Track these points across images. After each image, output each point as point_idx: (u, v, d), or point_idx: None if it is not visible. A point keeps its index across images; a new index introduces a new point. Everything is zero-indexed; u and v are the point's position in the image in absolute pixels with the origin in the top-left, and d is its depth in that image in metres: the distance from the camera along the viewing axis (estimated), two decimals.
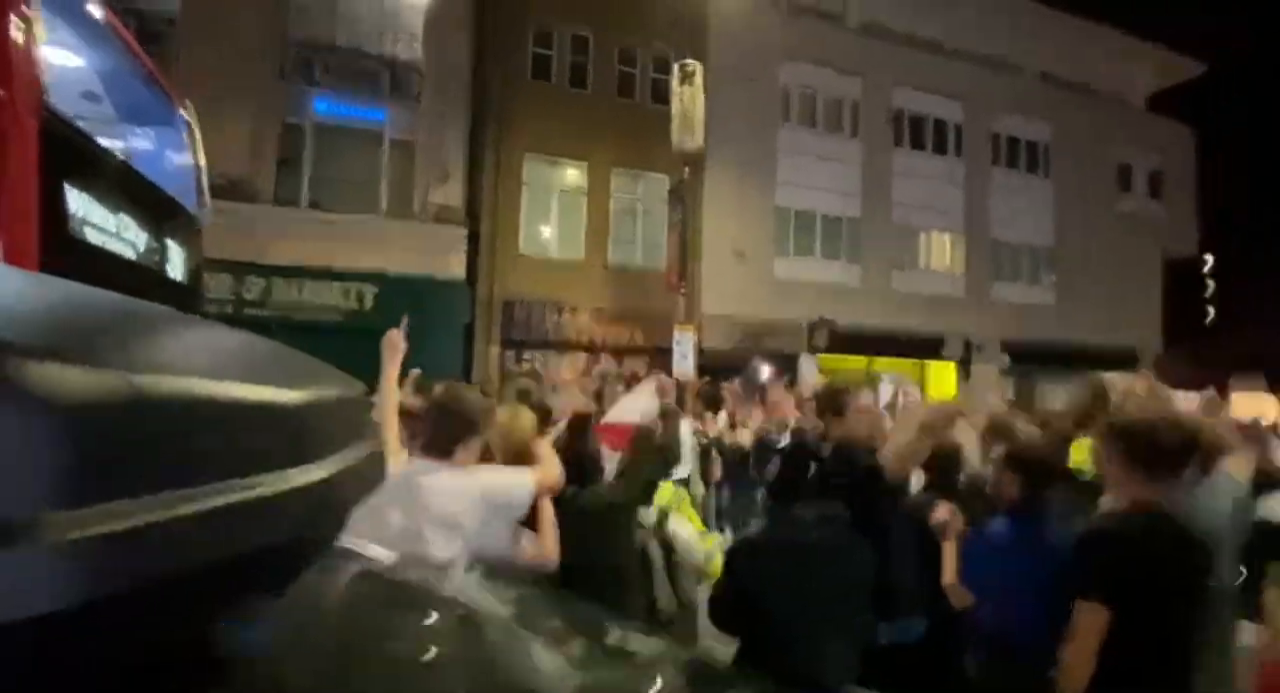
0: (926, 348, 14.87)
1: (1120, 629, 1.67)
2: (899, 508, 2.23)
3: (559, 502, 2.43)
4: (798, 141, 14.35)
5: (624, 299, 12.55)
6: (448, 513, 1.87)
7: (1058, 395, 15.14)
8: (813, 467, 1.83)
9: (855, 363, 14.71)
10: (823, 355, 13.88)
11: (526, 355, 12.07)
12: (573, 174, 12.78)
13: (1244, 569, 2.06)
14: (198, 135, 4.41)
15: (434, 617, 1.04)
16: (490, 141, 11.92)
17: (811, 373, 13.37)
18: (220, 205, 8.07)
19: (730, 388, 8.23)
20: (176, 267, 3.88)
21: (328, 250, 10.34)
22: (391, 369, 2.18)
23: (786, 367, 13.06)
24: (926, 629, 2.11)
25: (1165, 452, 1.78)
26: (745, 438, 6.26)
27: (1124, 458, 1.82)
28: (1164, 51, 18.10)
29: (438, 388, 2.41)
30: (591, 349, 12.47)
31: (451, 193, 11.51)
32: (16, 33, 2.21)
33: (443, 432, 1.98)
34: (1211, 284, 23.53)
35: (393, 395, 2.13)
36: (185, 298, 3.95)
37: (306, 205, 10.76)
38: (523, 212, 12.22)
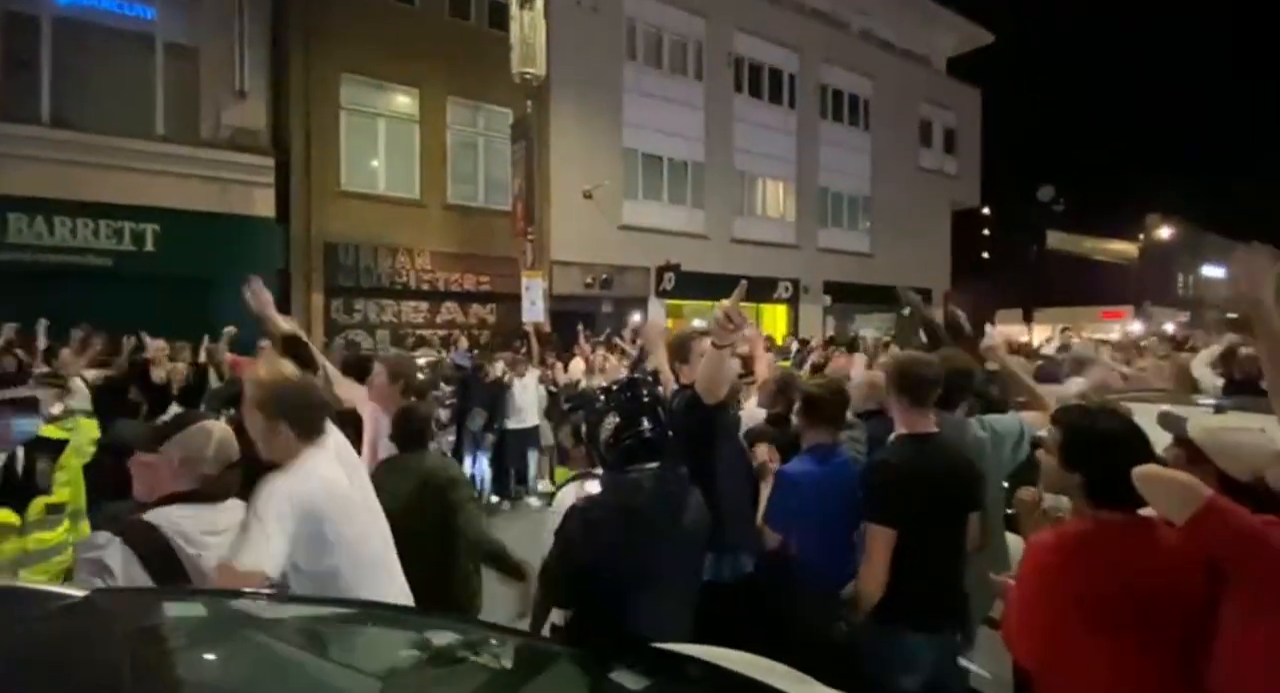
0: (761, 291, 15.95)
1: (904, 544, 1.92)
2: (728, 436, 2.33)
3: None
4: (644, 80, 14.14)
5: (467, 241, 11.84)
6: None
7: (869, 329, 17.30)
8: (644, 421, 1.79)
9: (699, 307, 15.42)
10: (669, 300, 14.35)
11: (358, 304, 11.03)
12: (403, 101, 11.51)
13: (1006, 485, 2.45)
14: None
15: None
16: (297, 56, 10.26)
17: (660, 315, 13.81)
18: None
19: (586, 334, 8.21)
20: None
21: (87, 179, 8.42)
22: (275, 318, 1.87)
23: (635, 311, 13.34)
24: (753, 569, 2.24)
25: (923, 382, 2.07)
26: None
27: (895, 390, 2.11)
28: (963, 20, 20.23)
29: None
30: (434, 296, 11.71)
31: (251, 114, 9.84)
32: None
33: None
34: (986, 231, 27.82)
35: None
36: None
37: (49, 122, 8.60)
38: (343, 141, 10.81)
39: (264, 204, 9.78)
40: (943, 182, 20.22)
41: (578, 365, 7.60)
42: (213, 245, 8.81)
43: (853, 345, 7.67)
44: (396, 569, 1.77)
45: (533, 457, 7.16)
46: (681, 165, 14.91)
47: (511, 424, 6.87)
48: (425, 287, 11.53)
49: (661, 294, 14.08)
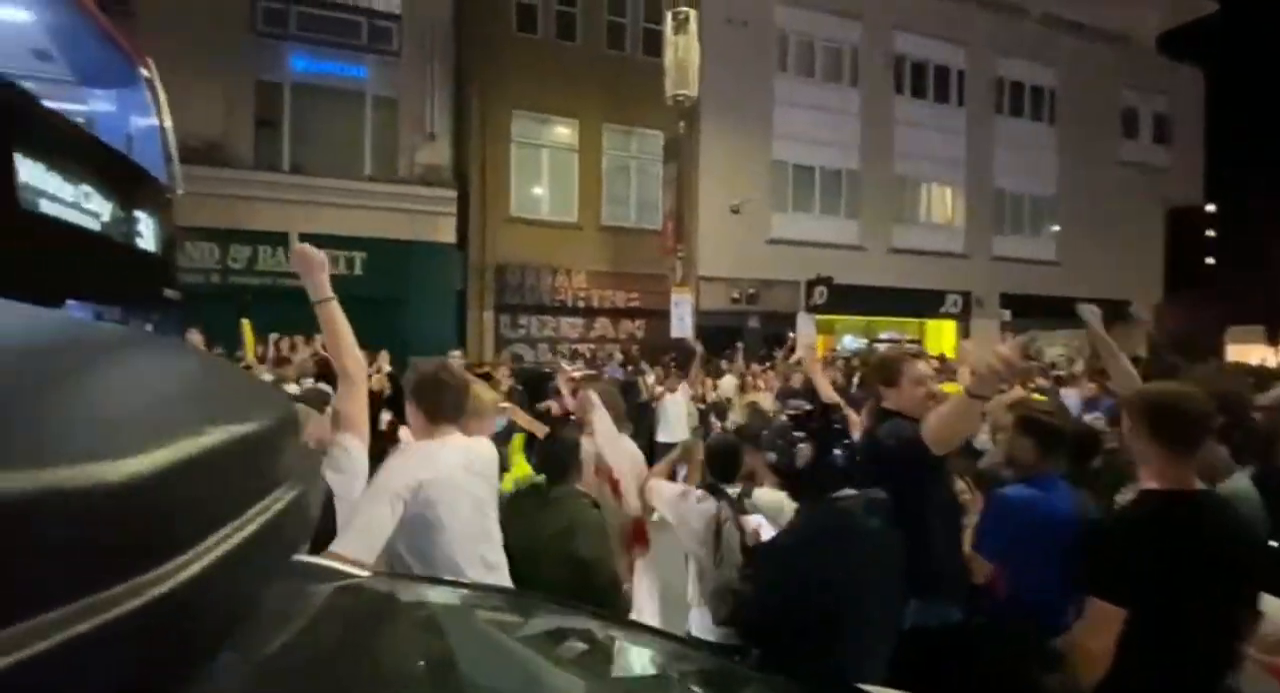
0: (926, 304, 14.74)
1: (1142, 627, 1.54)
2: (944, 483, 2.11)
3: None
4: (795, 92, 13.84)
5: (619, 260, 12.32)
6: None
7: (1055, 349, 15.24)
8: (839, 447, 1.67)
9: (853, 322, 14.62)
10: (821, 315, 13.76)
11: (522, 321, 11.91)
12: (563, 132, 12.35)
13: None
14: (162, 96, 4.15)
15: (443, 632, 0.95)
16: (476, 98, 11.45)
17: (810, 333, 13.29)
18: (198, 171, 7.82)
19: (739, 351, 8.10)
20: (147, 237, 3.70)
21: (312, 215, 10.03)
22: (325, 287, 1.73)
23: (784, 327, 12.97)
24: (961, 618, 2.02)
25: (1188, 420, 1.59)
26: (765, 400, 6.17)
27: (1148, 431, 1.61)
28: None
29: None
30: (589, 313, 12.32)
31: (438, 153, 11.12)
32: None
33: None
34: (1212, 233, 23.26)
35: (343, 335, 1.75)
36: (157, 270, 3.78)
37: (289, 169, 10.40)
38: (512, 172, 11.85)
39: (446, 232, 10.96)
40: (1152, 177, 17.36)
41: (728, 382, 7.52)
42: (405, 269, 10.09)
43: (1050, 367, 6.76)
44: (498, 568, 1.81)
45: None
46: (834, 174, 14.32)
47: (662, 438, 6.95)
48: (580, 303, 12.17)
49: (812, 309, 13.53)
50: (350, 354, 1.73)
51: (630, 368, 8.52)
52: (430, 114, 10.92)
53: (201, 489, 0.34)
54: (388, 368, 6.27)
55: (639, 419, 6.94)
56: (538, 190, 12.28)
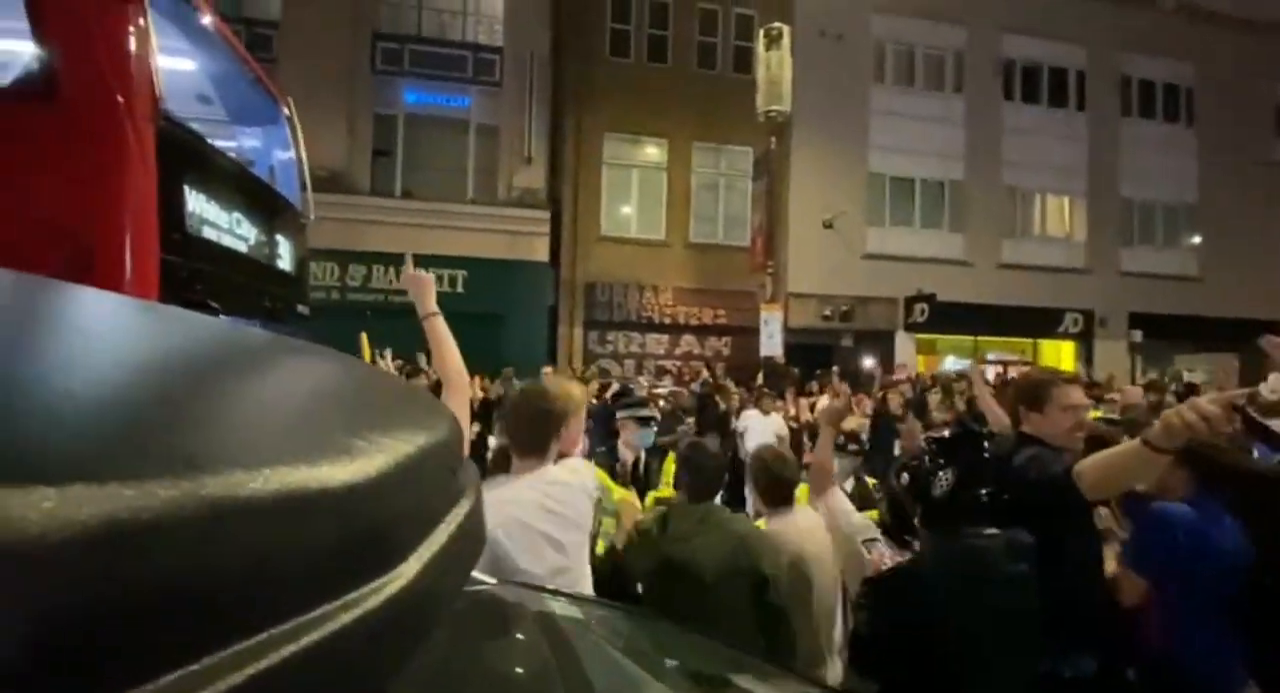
0: (1040, 324, 13.62)
1: None
2: (1087, 522, 1.88)
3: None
4: (893, 102, 13.34)
5: (706, 277, 12.28)
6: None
7: (1195, 375, 13.63)
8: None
9: (958, 342, 13.73)
10: (921, 334, 13.04)
11: (610, 336, 12.11)
12: (653, 151, 12.55)
13: None
14: (299, 132, 4.60)
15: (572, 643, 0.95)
16: (570, 123, 11.89)
17: (909, 353, 12.63)
18: (324, 198, 8.55)
19: (838, 372, 7.82)
20: (284, 259, 4.09)
21: (420, 236, 10.73)
22: (431, 304, 1.79)
23: (880, 346, 12.39)
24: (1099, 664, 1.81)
25: None
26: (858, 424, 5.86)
27: None
28: None
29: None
30: (675, 329, 12.33)
31: (534, 176, 11.61)
32: (133, 43, 2.31)
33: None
34: None
35: (449, 347, 1.77)
36: (292, 288, 4.16)
37: (400, 195, 11.21)
38: (604, 192, 12.15)
39: (540, 251, 11.38)
40: None
41: (825, 404, 7.23)
42: (503, 287, 10.57)
43: (1190, 391, 6.03)
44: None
45: None
46: (936, 186, 13.62)
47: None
48: (666, 320, 12.21)
49: (911, 327, 12.85)
50: (454, 364, 1.79)
51: (704, 383, 8.41)
52: (528, 139, 11.44)
53: (413, 495, 0.34)
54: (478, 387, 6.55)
55: (721, 433, 6.83)
56: (627, 209, 12.51)
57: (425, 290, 1.82)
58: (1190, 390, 5.89)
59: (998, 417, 2.48)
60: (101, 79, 2.16)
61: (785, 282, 12.14)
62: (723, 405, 6.93)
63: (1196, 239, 14.76)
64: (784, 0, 12.10)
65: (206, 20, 3.50)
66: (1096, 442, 1.97)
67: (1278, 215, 14.60)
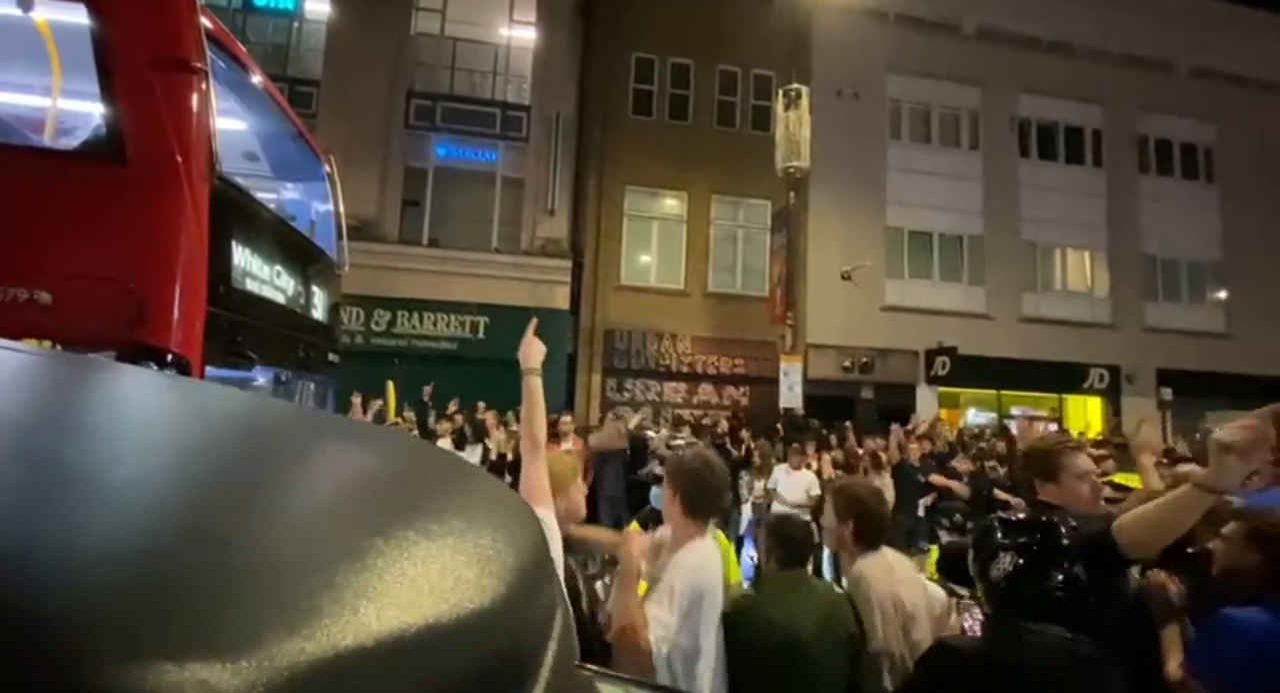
0: (1065, 379, 13.38)
1: None
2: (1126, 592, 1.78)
3: None
4: (910, 158, 13.59)
5: (725, 327, 12.31)
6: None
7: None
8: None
9: (981, 395, 13.51)
10: (943, 387, 12.86)
11: (628, 384, 12.08)
12: (672, 204, 12.83)
13: None
14: (339, 186, 4.77)
15: None
16: (593, 177, 12.24)
17: (931, 406, 12.43)
18: (353, 245, 8.82)
19: (850, 430, 7.72)
20: (319, 307, 4.17)
21: (444, 284, 10.95)
22: (534, 365, 1.87)
23: (901, 399, 12.22)
24: None
25: None
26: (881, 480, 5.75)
27: None
28: None
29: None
30: (692, 378, 12.29)
31: (557, 227, 11.88)
32: (195, 107, 2.43)
33: None
34: None
35: (539, 405, 1.81)
36: (325, 336, 4.23)
37: (427, 243, 11.51)
38: (624, 242, 12.38)
39: (561, 299, 11.54)
40: None
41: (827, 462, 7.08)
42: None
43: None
44: None
45: None
46: (955, 240, 13.69)
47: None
48: (685, 369, 12.19)
49: (933, 380, 12.70)
50: (540, 427, 1.79)
51: (730, 437, 8.27)
52: (552, 192, 11.77)
53: (527, 615, 0.33)
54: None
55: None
56: (646, 259, 12.70)
57: (535, 355, 1.93)
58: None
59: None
60: (165, 141, 2.27)
61: (804, 333, 12.12)
62: (734, 453, 6.83)
63: (1223, 295, 14.58)
64: (802, 61, 12.55)
65: (257, 80, 3.69)
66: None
67: None
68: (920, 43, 13.69)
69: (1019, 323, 13.39)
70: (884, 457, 6.34)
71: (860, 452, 6.81)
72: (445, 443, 5.51)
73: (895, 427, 7.13)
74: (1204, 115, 14.84)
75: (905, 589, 2.00)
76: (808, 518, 2.27)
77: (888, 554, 2.12)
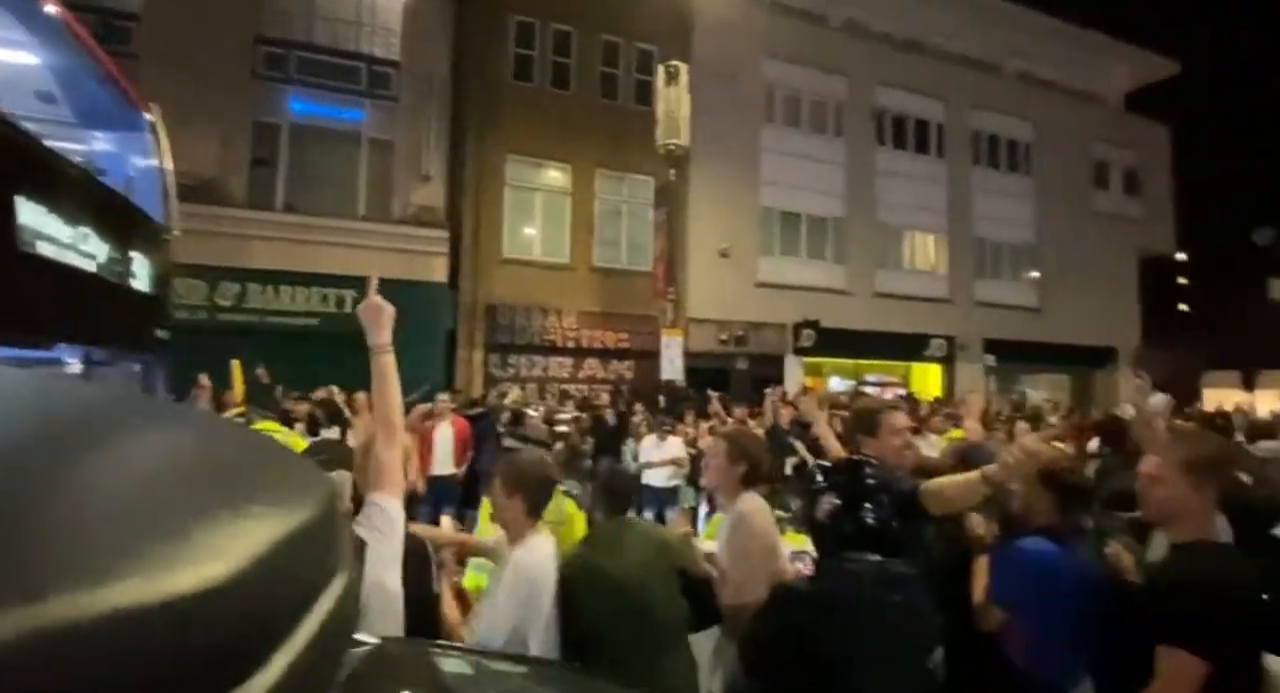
0: (911, 348, 14.94)
1: (1221, 678, 1.55)
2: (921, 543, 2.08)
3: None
4: (782, 141, 14.30)
5: (610, 301, 12.40)
6: None
7: (1039, 394, 15.44)
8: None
9: (841, 365, 14.75)
10: (808, 357, 13.88)
11: (512, 360, 11.86)
12: (556, 176, 12.59)
13: None
14: (164, 139, 4.19)
15: None
16: (471, 143, 11.68)
17: (797, 375, 13.37)
18: (191, 208, 7.82)
19: (721, 397, 8.10)
20: (142, 277, 3.67)
21: (305, 253, 10.05)
22: (387, 337, 1.70)
23: (771, 369, 13.04)
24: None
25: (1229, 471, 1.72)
26: None
27: (1199, 482, 1.68)
28: (1140, 51, 18.40)
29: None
30: (578, 352, 12.30)
31: (432, 194, 11.26)
32: None
33: None
34: (1184, 281, 24.06)
35: (393, 386, 1.69)
36: (151, 309, 3.74)
37: (282, 208, 10.45)
38: (505, 214, 12.00)
39: (439, 271, 11.01)
40: (1125, 227, 18.00)
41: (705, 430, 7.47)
42: (398, 308, 10.03)
43: (1035, 418, 6.81)
44: None
45: (671, 514, 7.06)
46: (820, 221, 14.69)
47: (649, 480, 6.87)
48: (570, 344, 12.17)
49: (799, 351, 13.66)
50: (393, 407, 1.70)
51: (618, 408, 8.45)
52: (426, 156, 11.10)
53: (276, 588, 0.33)
54: None
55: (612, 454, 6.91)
56: (530, 231, 12.42)
57: (383, 322, 1.72)
58: (1037, 418, 6.66)
59: (832, 446, 2.70)
60: None
61: (685, 308, 12.51)
62: (610, 421, 7.04)
63: (1035, 274, 16.90)
64: (682, 39, 12.70)
65: (51, 9, 3.13)
66: (927, 471, 2.25)
67: (1101, 256, 17.07)
68: (793, 30, 14.33)
69: (873, 298, 14.71)
70: (752, 423, 6.76)
71: (728, 420, 7.21)
72: (299, 427, 5.09)
73: (769, 390, 7.61)
74: (1024, 114, 16.91)
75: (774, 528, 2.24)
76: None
77: (759, 496, 2.36)
